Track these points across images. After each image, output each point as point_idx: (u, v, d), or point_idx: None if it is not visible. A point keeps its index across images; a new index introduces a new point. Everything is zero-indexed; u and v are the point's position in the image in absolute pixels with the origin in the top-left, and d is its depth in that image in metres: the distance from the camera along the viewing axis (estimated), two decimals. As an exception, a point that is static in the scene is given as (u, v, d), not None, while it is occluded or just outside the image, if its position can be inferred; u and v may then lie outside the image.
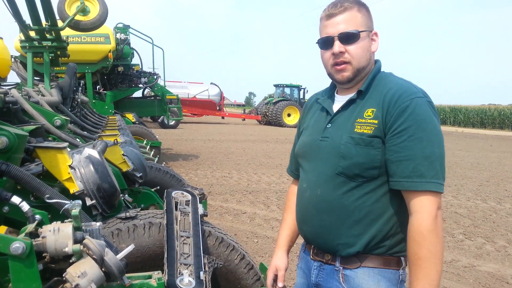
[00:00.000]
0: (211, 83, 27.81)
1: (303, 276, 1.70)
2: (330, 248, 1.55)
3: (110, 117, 6.85)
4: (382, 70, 1.63)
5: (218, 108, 27.35)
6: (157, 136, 8.89)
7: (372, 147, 1.45)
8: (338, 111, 1.59)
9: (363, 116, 1.50)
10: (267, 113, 27.38)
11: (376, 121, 1.46)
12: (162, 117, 18.38)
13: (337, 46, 1.51)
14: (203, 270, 1.73)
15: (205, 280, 1.69)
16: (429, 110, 1.44)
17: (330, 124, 1.59)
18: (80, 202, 1.62)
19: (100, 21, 5.29)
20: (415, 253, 1.38)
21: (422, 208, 1.38)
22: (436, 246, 1.36)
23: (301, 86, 27.91)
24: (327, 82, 1.77)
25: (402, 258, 1.52)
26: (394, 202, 1.47)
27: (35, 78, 6.56)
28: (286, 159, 11.61)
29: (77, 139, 3.52)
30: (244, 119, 30.29)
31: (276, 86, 28.90)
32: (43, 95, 4.10)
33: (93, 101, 8.55)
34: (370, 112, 1.49)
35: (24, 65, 7.24)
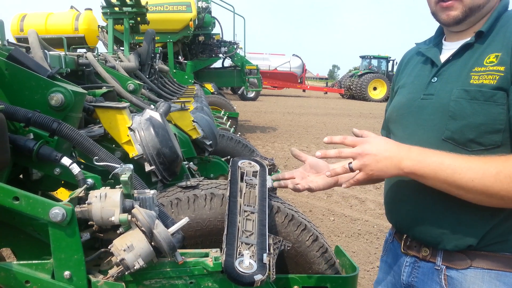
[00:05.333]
0: (293, 55, 27.18)
1: (388, 272, 1.37)
2: (431, 239, 1.20)
3: (189, 87, 6.86)
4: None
5: (299, 80, 26.75)
6: (235, 107, 8.81)
7: (494, 102, 1.08)
8: (448, 61, 1.21)
9: (482, 63, 1.12)
10: (351, 86, 26.16)
11: (502, 68, 1.08)
12: (242, 89, 18.40)
13: None
14: (267, 252, 1.48)
15: (269, 264, 1.44)
16: None
17: (436, 78, 1.22)
18: (131, 166, 1.45)
19: (177, -15, 5.18)
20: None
21: None
22: (504, 187, 1.02)
23: (390, 57, 26.13)
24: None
25: None
26: None
27: (121, 48, 6.72)
28: (369, 134, 10.96)
29: (152, 105, 3.45)
30: (326, 92, 29.43)
31: (363, 57, 27.44)
32: (121, 61, 4.11)
33: (174, 70, 8.62)
34: (494, 58, 1.10)
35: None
